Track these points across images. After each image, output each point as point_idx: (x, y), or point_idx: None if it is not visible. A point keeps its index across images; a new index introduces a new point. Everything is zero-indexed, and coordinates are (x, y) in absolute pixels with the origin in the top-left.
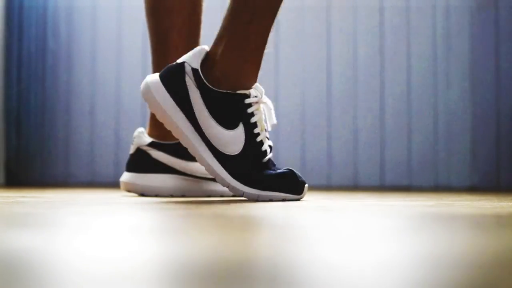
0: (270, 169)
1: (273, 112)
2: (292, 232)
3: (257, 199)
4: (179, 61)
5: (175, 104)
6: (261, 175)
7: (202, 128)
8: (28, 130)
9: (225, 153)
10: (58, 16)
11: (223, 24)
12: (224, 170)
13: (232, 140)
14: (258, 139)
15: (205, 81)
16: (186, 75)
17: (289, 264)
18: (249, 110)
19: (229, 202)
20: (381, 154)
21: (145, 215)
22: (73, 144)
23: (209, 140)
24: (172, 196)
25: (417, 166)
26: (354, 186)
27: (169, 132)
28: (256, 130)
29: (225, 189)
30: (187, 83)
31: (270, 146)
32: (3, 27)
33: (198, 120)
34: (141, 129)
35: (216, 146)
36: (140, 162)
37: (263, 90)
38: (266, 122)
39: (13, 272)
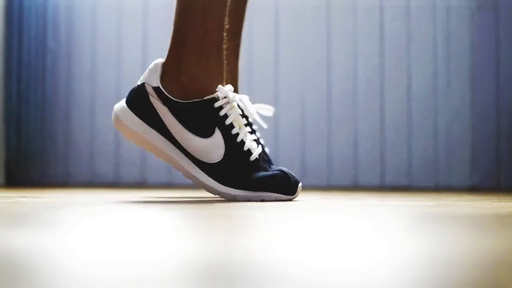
0: (261, 168)
1: (249, 105)
2: (292, 232)
3: (249, 200)
4: (138, 82)
5: (148, 127)
6: (250, 176)
7: (180, 142)
8: (28, 130)
9: (209, 162)
10: (58, 16)
11: (177, 28)
12: (211, 179)
13: (212, 148)
14: (238, 139)
15: (169, 96)
16: (150, 96)
17: (289, 264)
18: (222, 113)
19: (228, 202)
20: (381, 154)
21: (145, 215)
22: (73, 144)
23: (189, 153)
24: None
25: (417, 166)
26: (354, 186)
27: None
28: (234, 131)
29: None
30: (153, 103)
31: (257, 141)
32: (3, 27)
33: (174, 136)
34: None
35: (198, 157)
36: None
37: (232, 88)
38: (246, 118)
39: (13, 272)
